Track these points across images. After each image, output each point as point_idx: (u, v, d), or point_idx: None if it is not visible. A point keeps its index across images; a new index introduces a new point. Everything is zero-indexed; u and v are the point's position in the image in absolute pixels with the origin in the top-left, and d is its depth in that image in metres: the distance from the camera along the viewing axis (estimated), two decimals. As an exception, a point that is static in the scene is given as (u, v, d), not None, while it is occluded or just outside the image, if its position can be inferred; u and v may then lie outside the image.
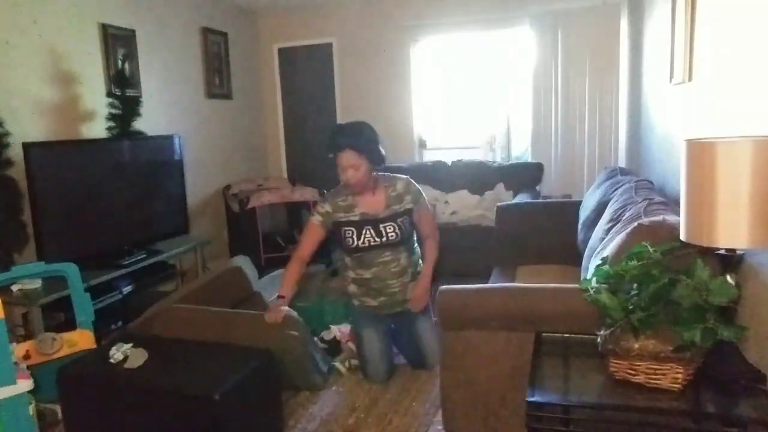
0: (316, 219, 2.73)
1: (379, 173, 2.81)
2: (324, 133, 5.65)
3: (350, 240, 2.71)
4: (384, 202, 2.75)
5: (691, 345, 1.36)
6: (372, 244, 2.71)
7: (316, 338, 3.21)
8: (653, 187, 2.71)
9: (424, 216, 2.84)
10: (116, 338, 2.39)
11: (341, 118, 5.68)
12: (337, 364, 2.94)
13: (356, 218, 2.71)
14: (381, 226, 2.71)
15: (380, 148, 2.71)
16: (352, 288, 2.88)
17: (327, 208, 2.73)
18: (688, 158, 1.44)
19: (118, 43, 3.97)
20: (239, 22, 5.46)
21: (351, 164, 2.61)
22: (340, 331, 3.23)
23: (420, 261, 2.91)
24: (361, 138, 2.64)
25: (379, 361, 2.79)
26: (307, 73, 5.77)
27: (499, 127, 5.31)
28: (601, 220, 2.53)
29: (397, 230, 2.72)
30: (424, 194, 2.86)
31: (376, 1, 5.33)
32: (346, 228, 2.72)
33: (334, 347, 3.14)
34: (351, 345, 3.13)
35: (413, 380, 2.82)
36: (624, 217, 2.20)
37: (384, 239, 2.72)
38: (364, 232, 2.71)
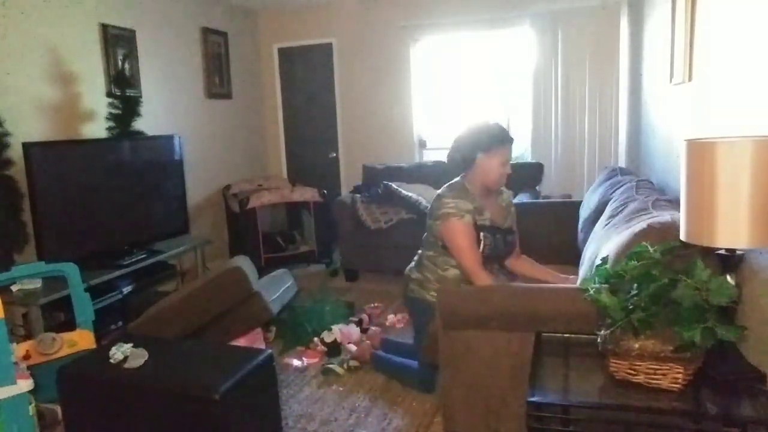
0: (468, 219, 2.36)
1: None
2: (324, 133, 5.74)
3: (485, 246, 2.40)
4: (503, 210, 2.57)
5: (691, 345, 1.36)
6: (499, 253, 2.49)
7: (317, 339, 3.22)
8: (653, 186, 2.71)
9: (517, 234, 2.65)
10: (116, 338, 2.38)
11: (341, 118, 5.69)
12: (335, 366, 2.94)
13: (488, 223, 2.44)
14: (508, 237, 2.51)
15: None
16: None
17: (468, 205, 2.38)
18: (688, 158, 1.44)
19: (118, 43, 3.97)
20: (239, 22, 5.46)
21: (509, 161, 2.45)
22: (341, 332, 3.23)
23: None
24: None
25: None
26: (307, 73, 5.77)
27: (499, 127, 5.31)
28: (600, 219, 2.53)
29: (512, 242, 2.55)
30: None
31: (376, 1, 5.33)
32: (485, 233, 2.41)
33: (334, 349, 3.15)
34: (351, 346, 3.13)
35: (413, 380, 2.82)
36: (626, 210, 2.20)
37: (510, 249, 2.54)
38: (496, 239, 2.45)
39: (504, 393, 2.02)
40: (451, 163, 2.53)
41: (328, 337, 3.20)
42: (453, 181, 2.51)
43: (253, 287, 2.82)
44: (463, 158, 2.45)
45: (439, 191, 2.50)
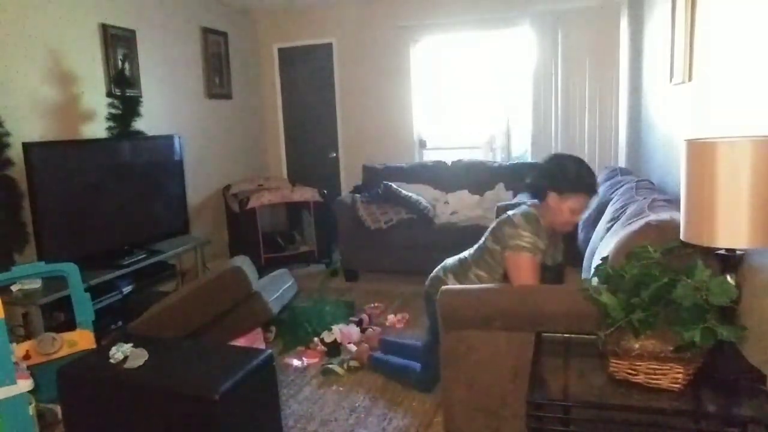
0: (539, 259, 2.22)
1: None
2: (324, 133, 5.74)
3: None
4: (560, 249, 2.43)
5: (691, 345, 1.36)
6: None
7: (316, 339, 3.22)
8: (653, 187, 2.71)
9: None
10: (116, 338, 2.38)
11: (341, 118, 5.69)
12: (334, 366, 2.94)
13: (549, 262, 2.34)
14: (547, 274, 2.32)
15: None
16: None
17: (542, 244, 2.22)
18: (688, 158, 1.44)
19: (118, 43, 3.97)
20: (239, 22, 5.46)
21: (585, 209, 2.33)
22: (341, 332, 3.23)
23: None
24: None
25: None
26: (307, 73, 5.77)
27: (499, 127, 5.32)
28: (601, 220, 2.53)
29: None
30: None
31: (376, 1, 5.33)
32: (545, 272, 2.29)
33: (334, 349, 3.15)
34: (351, 346, 3.13)
35: (413, 380, 2.82)
36: (626, 214, 2.20)
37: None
38: (546, 280, 2.31)
39: (504, 393, 2.02)
40: (527, 186, 2.38)
41: (328, 338, 3.19)
42: (527, 210, 2.29)
43: (253, 287, 2.82)
44: (536, 188, 2.30)
45: (513, 217, 2.28)
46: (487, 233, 2.39)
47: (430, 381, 2.63)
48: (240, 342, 2.82)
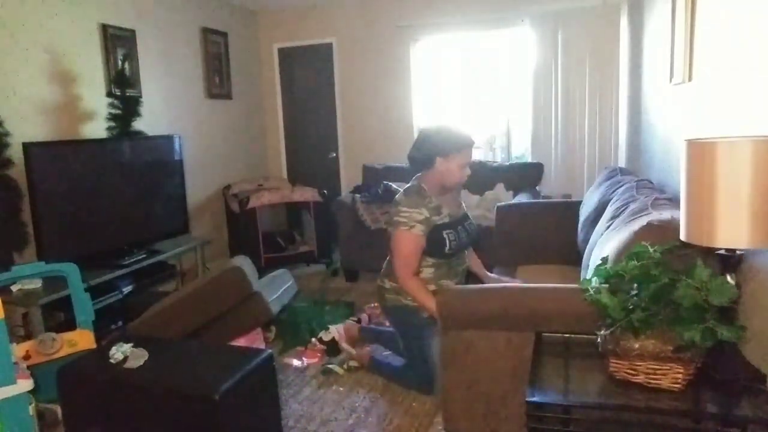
0: (417, 230, 2.43)
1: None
2: (324, 133, 5.74)
3: (448, 243, 2.49)
4: (457, 201, 2.70)
5: (691, 345, 1.36)
6: (463, 242, 2.59)
7: (314, 339, 3.22)
8: (654, 186, 2.71)
9: None
10: (116, 338, 2.38)
11: (341, 118, 5.69)
12: (334, 366, 2.94)
13: (447, 219, 2.54)
14: (466, 224, 2.64)
15: None
16: None
17: (425, 213, 2.45)
18: (688, 158, 1.44)
19: (118, 43, 3.97)
20: (239, 22, 5.46)
21: (470, 161, 2.55)
22: (338, 332, 3.23)
23: None
24: None
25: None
26: (307, 73, 5.77)
27: (499, 127, 5.32)
28: (602, 219, 2.53)
29: (473, 227, 2.69)
30: None
31: (376, 1, 5.33)
32: (447, 231, 2.50)
33: (332, 348, 3.15)
34: (346, 346, 3.13)
35: (413, 380, 2.82)
36: (627, 211, 2.20)
37: (473, 236, 2.67)
38: (459, 232, 2.55)
39: (504, 393, 2.02)
40: (411, 162, 2.60)
41: (326, 336, 3.20)
42: (409, 185, 2.57)
43: (253, 287, 2.82)
44: (423, 160, 2.52)
45: (396, 197, 2.57)
46: None
47: (429, 381, 2.63)
48: (240, 342, 2.82)
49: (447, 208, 2.56)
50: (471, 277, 2.83)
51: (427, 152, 2.49)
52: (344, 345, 3.13)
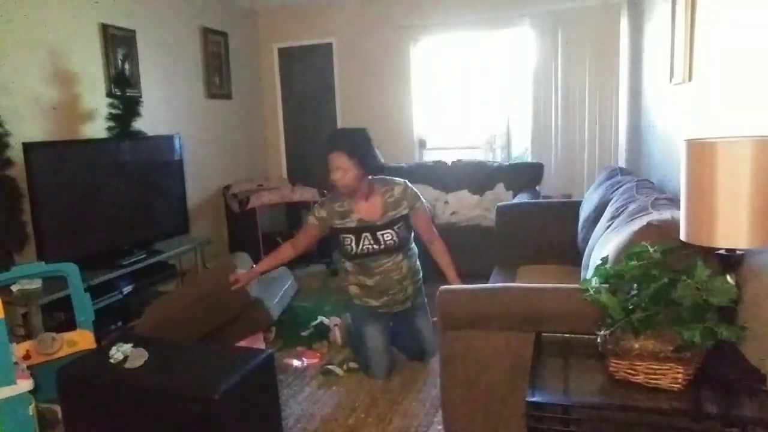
0: (312, 220, 2.81)
1: (377, 178, 2.83)
2: (324, 132, 5.72)
3: (349, 247, 2.76)
4: (381, 208, 2.77)
5: (691, 345, 1.36)
6: (371, 251, 2.75)
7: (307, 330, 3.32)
8: (654, 186, 2.71)
9: (422, 220, 2.86)
10: (116, 338, 2.38)
11: (341, 118, 5.69)
12: (334, 367, 2.94)
13: (353, 224, 2.75)
14: (379, 233, 2.74)
15: (376, 156, 2.77)
16: (354, 289, 2.89)
17: (323, 213, 2.78)
18: (688, 158, 1.44)
19: (118, 43, 3.97)
20: (239, 22, 5.46)
21: (339, 166, 2.68)
22: (330, 320, 3.35)
23: (418, 262, 2.94)
24: (355, 143, 2.72)
25: (381, 356, 2.83)
26: (307, 73, 5.77)
27: (499, 127, 5.31)
28: (602, 219, 2.53)
29: (394, 237, 2.75)
30: (422, 198, 2.88)
31: (376, 1, 5.33)
32: (345, 235, 2.76)
33: (322, 329, 3.29)
34: (338, 332, 3.24)
35: (413, 380, 2.82)
36: (627, 211, 2.20)
37: (382, 246, 2.75)
38: (362, 239, 2.74)
39: (504, 393, 2.01)
40: None
41: (313, 321, 3.35)
42: None
43: (253, 293, 2.82)
44: None
45: None
46: None
47: (366, 367, 2.87)
48: (241, 343, 2.82)
49: (359, 214, 2.75)
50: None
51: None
52: (335, 331, 3.23)
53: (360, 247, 2.73)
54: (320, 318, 3.37)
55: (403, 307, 2.89)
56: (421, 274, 2.98)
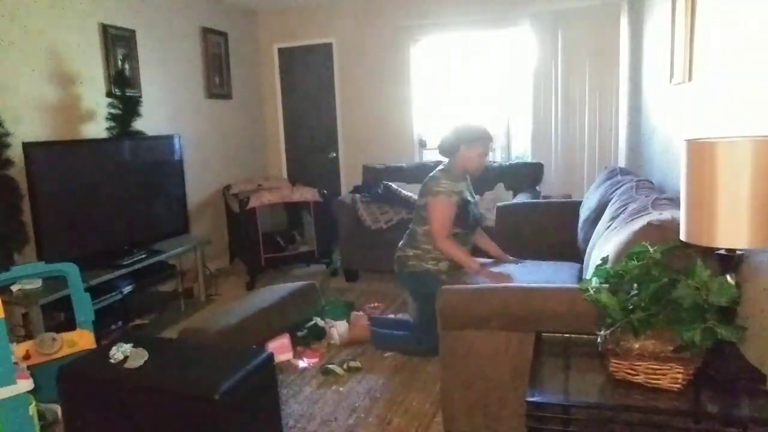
0: (454, 199, 2.92)
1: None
2: (324, 133, 5.74)
3: (472, 213, 3.02)
4: (470, 187, 3.12)
5: (691, 345, 1.36)
6: (478, 221, 3.11)
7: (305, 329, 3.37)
8: (653, 186, 2.71)
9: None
10: (116, 338, 2.38)
11: (341, 118, 5.69)
12: (334, 366, 2.94)
13: (468, 198, 3.04)
14: (477, 207, 3.12)
15: None
16: (444, 265, 2.96)
17: (460, 187, 2.99)
18: (688, 158, 1.44)
19: (118, 43, 3.97)
20: (239, 22, 5.46)
21: (488, 153, 3.09)
22: (325, 322, 3.40)
23: None
24: None
25: None
26: (307, 73, 5.77)
27: (499, 127, 5.31)
28: (602, 219, 2.53)
29: (479, 210, 3.15)
30: None
31: (376, 1, 5.33)
32: (470, 206, 3.02)
33: (317, 331, 3.33)
34: (333, 331, 3.30)
35: (413, 380, 2.82)
36: (628, 211, 2.19)
37: (479, 218, 3.14)
38: (474, 209, 3.05)
39: (504, 393, 2.02)
40: (440, 147, 3.08)
41: (309, 324, 3.37)
42: (441, 166, 3.05)
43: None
44: (450, 147, 3.01)
45: (432, 173, 3.03)
46: (417, 197, 3.07)
47: (433, 342, 2.73)
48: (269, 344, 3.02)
49: (465, 190, 3.04)
50: (483, 255, 3.20)
51: (454, 140, 2.99)
52: (333, 331, 3.30)
53: (472, 217, 3.02)
54: (315, 319, 3.39)
55: None
56: None
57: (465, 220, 2.98)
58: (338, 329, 3.30)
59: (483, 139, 2.99)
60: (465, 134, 2.98)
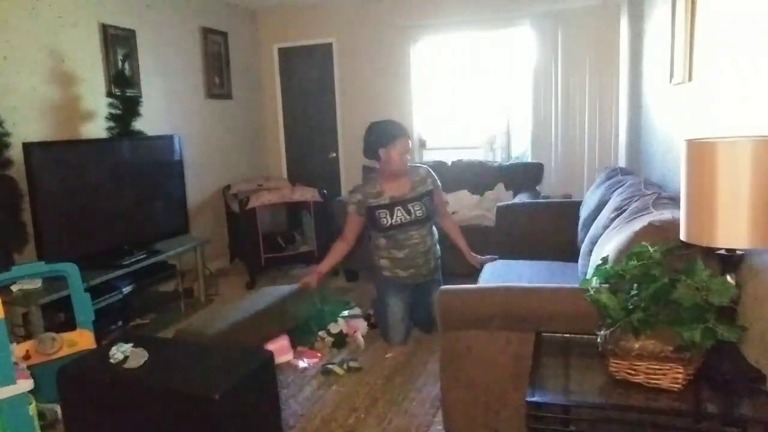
0: (351, 209, 3.20)
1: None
2: (324, 133, 5.74)
3: (384, 220, 3.13)
4: (409, 185, 3.18)
5: (691, 345, 1.36)
6: (403, 221, 3.13)
7: (323, 331, 3.32)
8: (653, 186, 2.71)
9: (440, 198, 3.36)
10: (116, 338, 2.38)
11: (341, 118, 5.69)
12: (334, 366, 2.94)
13: (386, 201, 3.13)
14: (409, 205, 3.15)
15: None
16: (385, 263, 3.24)
17: (358, 197, 3.16)
18: (688, 158, 1.44)
19: (118, 43, 3.97)
20: (239, 22, 5.46)
21: (407, 149, 3.12)
22: (348, 324, 3.34)
23: (438, 245, 3.35)
24: None
25: (400, 324, 3.22)
26: (307, 73, 5.77)
27: (499, 127, 5.31)
28: (604, 210, 2.53)
29: (422, 208, 3.16)
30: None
31: (376, 1, 5.33)
32: (380, 211, 3.13)
33: (339, 340, 3.24)
34: (359, 336, 3.27)
35: (413, 380, 2.82)
36: (630, 208, 2.19)
37: (412, 217, 3.14)
38: (395, 212, 3.12)
39: (504, 393, 2.02)
40: (364, 154, 3.21)
41: (333, 329, 3.31)
42: (366, 175, 3.40)
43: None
44: (369, 151, 3.14)
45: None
46: None
47: (385, 333, 3.26)
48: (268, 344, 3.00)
49: (390, 191, 3.14)
50: (456, 250, 3.39)
51: (371, 145, 3.11)
52: (357, 335, 3.30)
53: (393, 218, 3.11)
54: (339, 321, 3.40)
55: (424, 280, 3.24)
56: (440, 254, 3.35)
57: (375, 224, 3.15)
58: (361, 332, 3.34)
59: (397, 139, 3.06)
60: (379, 138, 3.08)
